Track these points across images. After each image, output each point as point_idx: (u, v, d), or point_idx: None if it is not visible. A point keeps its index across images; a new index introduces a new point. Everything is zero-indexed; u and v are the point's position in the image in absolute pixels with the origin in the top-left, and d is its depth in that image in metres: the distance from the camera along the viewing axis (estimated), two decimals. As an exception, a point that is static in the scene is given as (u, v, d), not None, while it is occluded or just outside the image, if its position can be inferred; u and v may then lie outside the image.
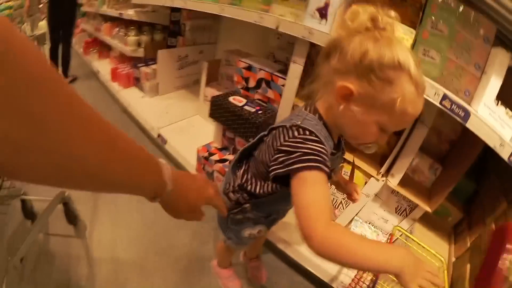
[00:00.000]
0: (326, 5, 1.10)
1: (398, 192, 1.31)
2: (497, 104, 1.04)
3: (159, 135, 1.59)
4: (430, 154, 1.37)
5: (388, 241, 1.01)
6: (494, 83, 1.01)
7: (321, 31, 1.11)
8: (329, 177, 0.62)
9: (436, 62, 1.08)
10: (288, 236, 1.37)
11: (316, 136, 0.63)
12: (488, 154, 1.13)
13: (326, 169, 0.60)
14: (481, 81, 1.05)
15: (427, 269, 0.56)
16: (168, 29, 2.04)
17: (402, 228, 1.16)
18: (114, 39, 2.48)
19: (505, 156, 0.99)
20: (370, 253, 0.54)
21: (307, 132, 0.63)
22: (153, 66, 2.06)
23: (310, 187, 0.59)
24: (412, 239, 1.12)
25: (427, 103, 1.11)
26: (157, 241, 1.40)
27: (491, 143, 0.98)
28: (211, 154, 1.51)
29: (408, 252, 0.56)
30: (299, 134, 0.63)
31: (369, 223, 1.49)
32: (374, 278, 1.07)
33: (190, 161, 1.54)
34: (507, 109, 1.03)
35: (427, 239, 1.36)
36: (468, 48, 1.06)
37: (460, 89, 1.07)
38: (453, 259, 1.37)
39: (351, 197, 0.96)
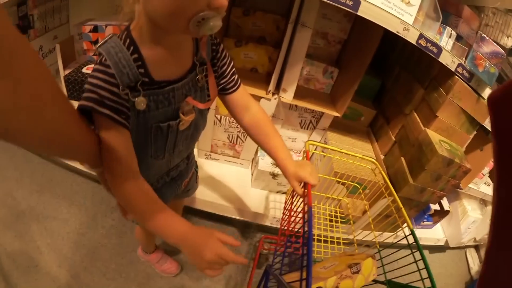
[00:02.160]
0: None
1: (297, 106, 1.17)
2: (390, -8, 0.98)
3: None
4: (320, 59, 1.25)
5: (305, 158, 0.85)
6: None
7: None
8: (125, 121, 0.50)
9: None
10: (202, 194, 1.24)
11: (104, 62, 0.48)
12: (387, 48, 1.04)
13: (100, 109, 0.47)
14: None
15: (214, 252, 0.52)
16: (19, 27, 1.74)
17: (314, 141, 1.01)
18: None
19: (412, 39, 0.95)
20: (152, 224, 0.54)
21: (98, 60, 0.49)
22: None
23: (100, 132, 0.50)
24: (332, 149, 0.96)
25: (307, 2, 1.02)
26: (78, 255, 1.24)
27: (393, 29, 0.91)
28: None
29: (186, 237, 0.54)
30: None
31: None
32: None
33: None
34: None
35: (347, 145, 1.28)
36: None
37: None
38: (382, 156, 1.32)
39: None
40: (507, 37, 1.21)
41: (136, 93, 0.50)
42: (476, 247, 1.97)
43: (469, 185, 1.50)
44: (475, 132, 1.28)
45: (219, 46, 0.63)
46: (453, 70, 1.04)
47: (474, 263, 1.84)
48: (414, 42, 0.95)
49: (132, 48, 0.49)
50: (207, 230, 0.55)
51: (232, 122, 1.25)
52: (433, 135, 1.14)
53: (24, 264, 1.15)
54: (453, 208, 1.71)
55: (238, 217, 1.25)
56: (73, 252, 1.22)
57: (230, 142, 1.28)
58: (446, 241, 1.72)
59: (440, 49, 0.99)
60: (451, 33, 1.10)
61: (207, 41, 0.60)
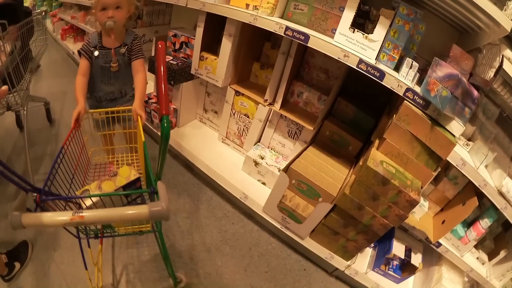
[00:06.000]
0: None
1: (286, 117, 1.52)
2: (353, 32, 1.20)
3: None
4: (320, 89, 1.58)
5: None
6: (347, 15, 1.20)
7: (210, 3, 1.44)
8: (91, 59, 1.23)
9: (305, 12, 1.37)
10: (207, 160, 1.64)
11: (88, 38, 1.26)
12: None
13: (82, 51, 1.23)
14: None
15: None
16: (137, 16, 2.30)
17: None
18: (87, 24, 3.02)
19: (353, 64, 1.14)
20: (76, 87, 1.23)
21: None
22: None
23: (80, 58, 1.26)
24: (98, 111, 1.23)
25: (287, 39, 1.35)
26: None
27: (335, 55, 1.16)
28: (150, 99, 1.99)
29: (79, 99, 1.18)
30: None
31: (271, 149, 1.69)
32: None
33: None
34: (365, 34, 1.16)
35: (323, 161, 1.49)
36: (333, -5, 1.29)
37: (327, 28, 1.33)
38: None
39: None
40: (490, 69, 1.15)
41: (95, 48, 1.22)
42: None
43: (445, 245, 1.35)
44: (439, 169, 1.23)
45: (136, 39, 1.27)
46: (401, 94, 1.10)
47: None
48: (354, 67, 1.11)
49: (98, 34, 1.25)
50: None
51: (241, 117, 1.66)
52: (376, 154, 1.20)
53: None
54: (430, 271, 1.54)
55: (218, 182, 1.63)
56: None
57: (238, 133, 1.69)
58: (414, 307, 1.50)
59: (382, 73, 1.09)
60: (411, 64, 1.12)
61: (131, 36, 1.26)
